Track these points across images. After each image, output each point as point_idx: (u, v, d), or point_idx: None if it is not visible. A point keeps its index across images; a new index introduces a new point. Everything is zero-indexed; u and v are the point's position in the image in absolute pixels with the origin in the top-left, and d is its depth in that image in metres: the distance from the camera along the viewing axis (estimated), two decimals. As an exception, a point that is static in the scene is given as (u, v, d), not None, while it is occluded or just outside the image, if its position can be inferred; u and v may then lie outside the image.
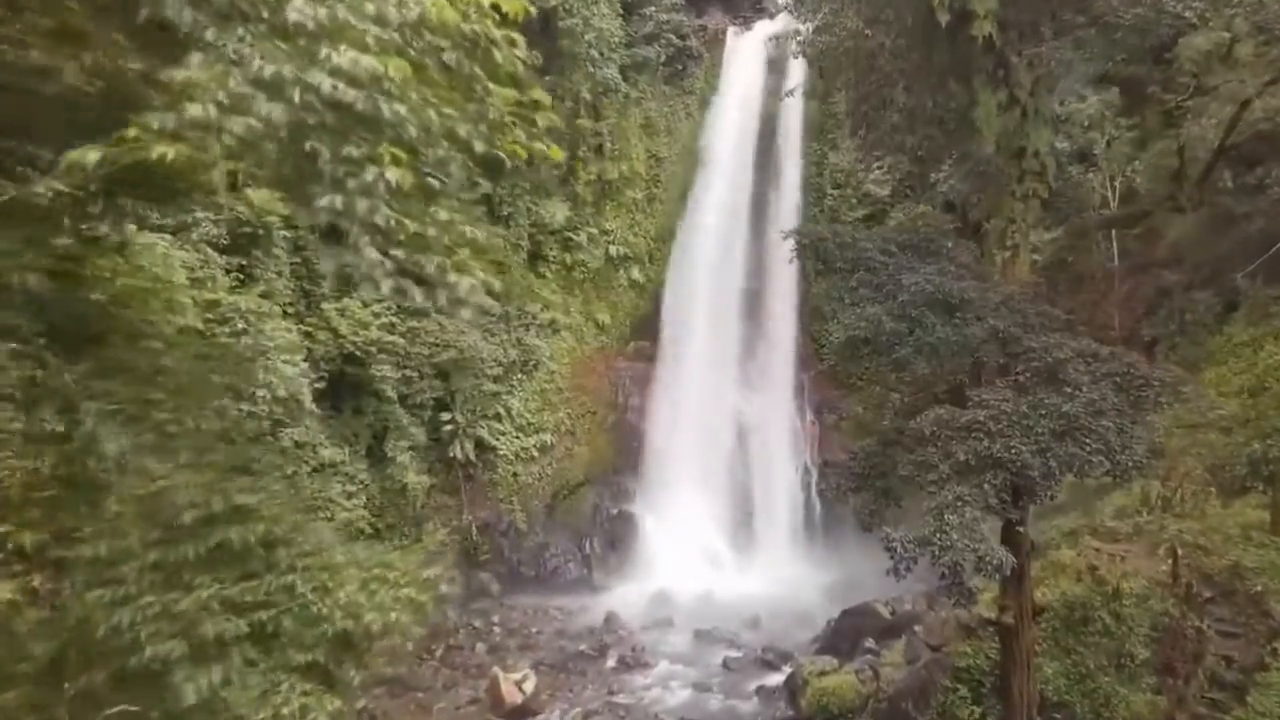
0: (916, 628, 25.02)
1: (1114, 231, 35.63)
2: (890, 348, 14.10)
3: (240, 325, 23.41)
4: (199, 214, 24.48)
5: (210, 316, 23.31)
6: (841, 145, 43.81)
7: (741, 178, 42.83)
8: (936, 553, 12.75)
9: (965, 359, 14.47)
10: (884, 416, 17.62)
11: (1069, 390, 13.71)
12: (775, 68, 43.18)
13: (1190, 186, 15.03)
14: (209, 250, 25.17)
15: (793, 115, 43.95)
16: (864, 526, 15.10)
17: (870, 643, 26.35)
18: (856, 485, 15.36)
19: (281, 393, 24.32)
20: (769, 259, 40.00)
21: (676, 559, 36.47)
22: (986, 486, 13.26)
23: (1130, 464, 13.25)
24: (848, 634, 27.67)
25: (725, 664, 27.47)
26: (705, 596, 33.65)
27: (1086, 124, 34.67)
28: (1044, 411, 13.55)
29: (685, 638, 30.05)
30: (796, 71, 43.94)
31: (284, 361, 24.90)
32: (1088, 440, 13.22)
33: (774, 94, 43.73)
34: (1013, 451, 13.15)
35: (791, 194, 42.39)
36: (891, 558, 13.37)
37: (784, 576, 35.44)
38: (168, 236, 21.50)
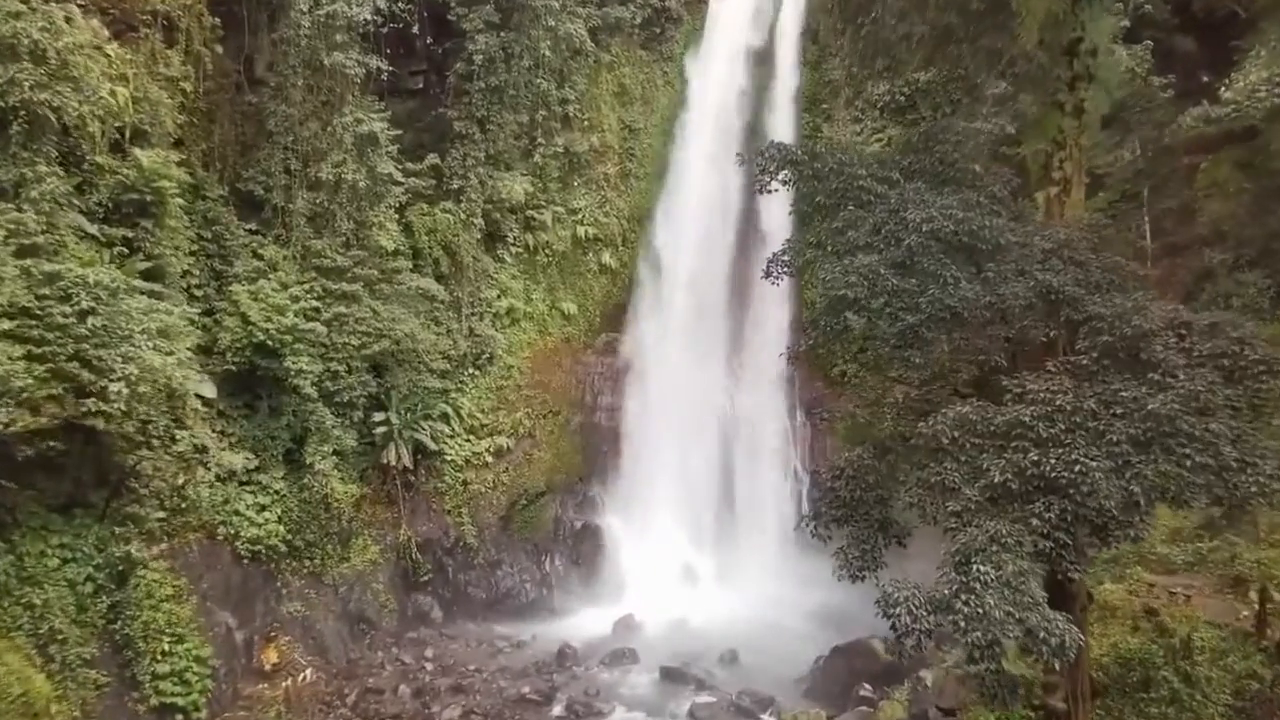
0: (922, 673, 20.67)
1: (1145, 208, 31.96)
2: (892, 316, 9.59)
3: (86, 303, 18.97)
4: (41, 168, 20.01)
5: (46, 292, 18.94)
6: (837, 117, 39.55)
7: (726, 152, 38.24)
8: (961, 624, 8.31)
9: (1000, 330, 9.99)
10: (883, 416, 13.08)
11: (1156, 378, 9.26)
12: (764, 33, 38.93)
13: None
14: (63, 212, 20.65)
15: (784, 85, 39.80)
16: (850, 575, 10.56)
17: (865, 688, 22.15)
18: (841, 515, 10.83)
19: (144, 388, 19.87)
20: (758, 241, 35.52)
21: (648, 579, 32.33)
22: (1035, 521, 8.83)
23: (1254, 489, 8.79)
24: (838, 676, 23.48)
25: (692, 714, 23.05)
26: (678, 624, 29.56)
27: (1115, 84, 30.49)
28: (1120, 409, 9.13)
29: (649, 678, 25.78)
30: (788, 40, 39.82)
31: (153, 348, 20.38)
32: (1188, 452, 8.77)
33: (763, 62, 39.44)
34: (1075, 469, 8.71)
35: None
36: (893, 628, 8.93)
37: (769, 599, 31.25)
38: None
